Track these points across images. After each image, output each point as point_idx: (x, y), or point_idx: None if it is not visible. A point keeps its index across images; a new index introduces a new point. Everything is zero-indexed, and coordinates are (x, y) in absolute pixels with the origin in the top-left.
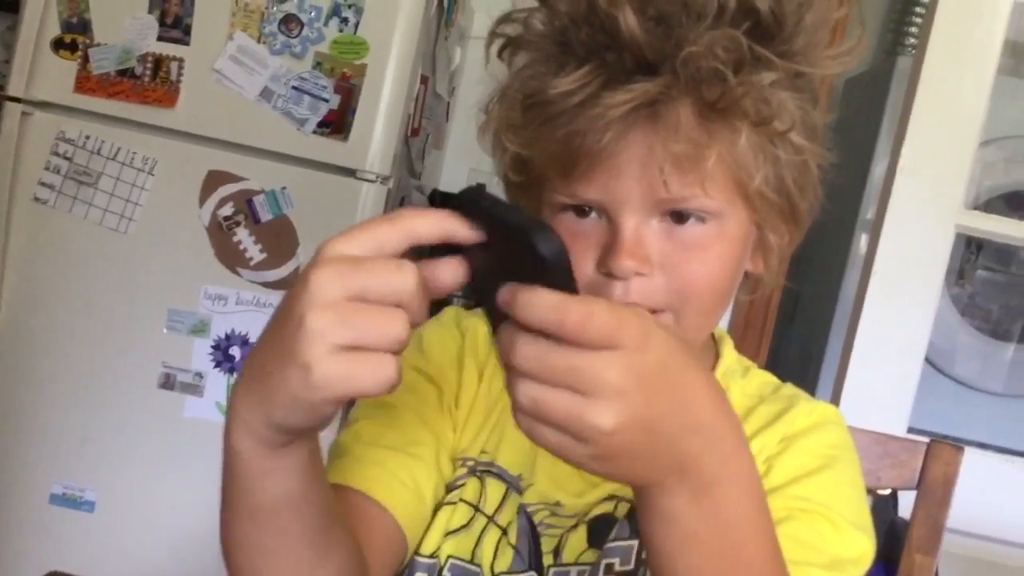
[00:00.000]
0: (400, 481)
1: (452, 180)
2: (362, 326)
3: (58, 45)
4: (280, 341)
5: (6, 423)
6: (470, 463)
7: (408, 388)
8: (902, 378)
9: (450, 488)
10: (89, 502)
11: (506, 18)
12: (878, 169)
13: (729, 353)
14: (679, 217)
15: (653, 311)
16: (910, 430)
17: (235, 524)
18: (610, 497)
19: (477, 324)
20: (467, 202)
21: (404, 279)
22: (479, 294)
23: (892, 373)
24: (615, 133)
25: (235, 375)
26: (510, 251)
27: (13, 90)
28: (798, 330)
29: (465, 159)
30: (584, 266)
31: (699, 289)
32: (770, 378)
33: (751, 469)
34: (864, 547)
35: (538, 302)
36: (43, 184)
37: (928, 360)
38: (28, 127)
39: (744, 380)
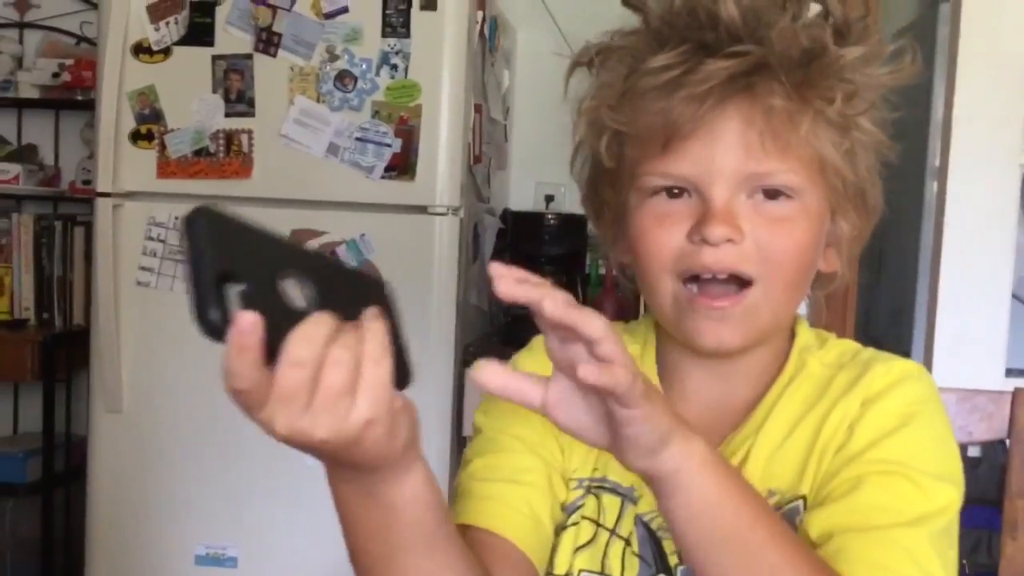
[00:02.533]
0: (516, 510)
1: (521, 198)
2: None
3: (136, 136)
4: None
5: (146, 494)
6: (585, 483)
7: (513, 420)
8: (992, 322)
9: (571, 510)
10: (232, 558)
11: (586, 46)
12: (937, 115)
13: (804, 331)
14: (767, 194)
15: (744, 281)
16: (1009, 372)
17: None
18: None
19: None
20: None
21: None
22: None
23: (981, 318)
24: (713, 101)
25: None
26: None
27: (101, 186)
28: (886, 287)
29: (530, 174)
30: (675, 236)
31: (785, 260)
32: (850, 345)
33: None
34: (948, 496)
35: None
36: (143, 268)
37: (1017, 298)
38: (120, 218)
39: (822, 351)
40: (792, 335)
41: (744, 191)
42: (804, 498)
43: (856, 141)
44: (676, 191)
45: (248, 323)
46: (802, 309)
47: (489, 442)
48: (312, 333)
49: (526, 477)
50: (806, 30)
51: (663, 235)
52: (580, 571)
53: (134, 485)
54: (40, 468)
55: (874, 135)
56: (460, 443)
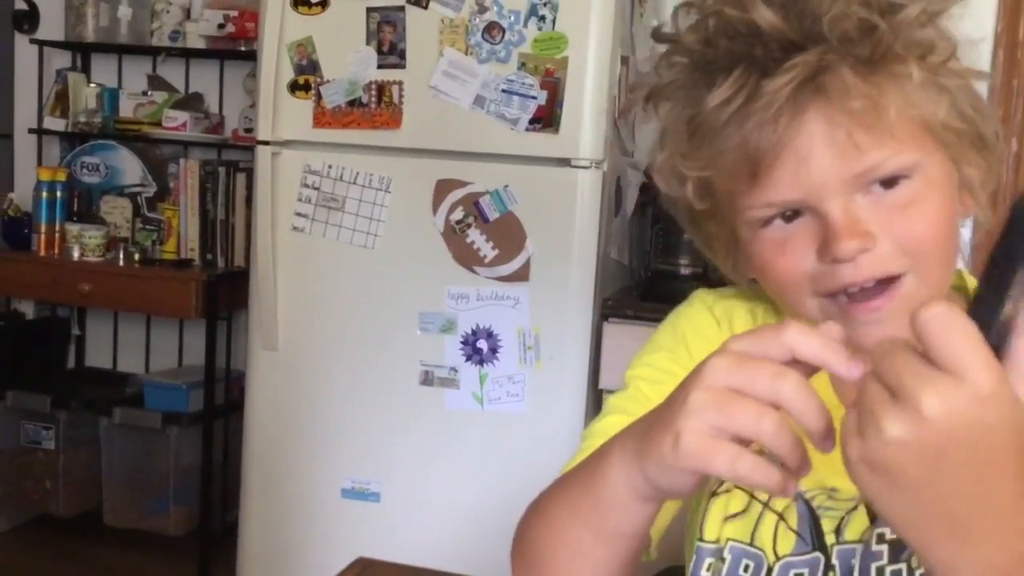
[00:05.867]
0: None
1: None
2: (731, 415)
3: (294, 87)
4: (668, 409)
5: (298, 428)
6: None
7: (664, 387)
8: None
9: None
10: (375, 493)
11: (636, 83)
12: None
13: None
14: (884, 184)
15: (891, 278)
16: None
17: (571, 526)
18: None
19: (731, 309)
20: None
21: (777, 385)
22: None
23: None
24: (788, 117)
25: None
26: None
27: (262, 134)
28: None
29: None
30: (804, 262)
31: (928, 243)
32: None
33: None
34: None
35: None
36: (298, 214)
37: None
38: (279, 165)
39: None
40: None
41: (858, 191)
42: None
43: (951, 88)
44: (790, 214)
45: None
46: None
47: (632, 400)
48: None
49: None
50: (855, 3)
51: (790, 263)
52: (728, 540)
53: (288, 419)
54: (202, 400)
55: (967, 72)
56: (596, 396)
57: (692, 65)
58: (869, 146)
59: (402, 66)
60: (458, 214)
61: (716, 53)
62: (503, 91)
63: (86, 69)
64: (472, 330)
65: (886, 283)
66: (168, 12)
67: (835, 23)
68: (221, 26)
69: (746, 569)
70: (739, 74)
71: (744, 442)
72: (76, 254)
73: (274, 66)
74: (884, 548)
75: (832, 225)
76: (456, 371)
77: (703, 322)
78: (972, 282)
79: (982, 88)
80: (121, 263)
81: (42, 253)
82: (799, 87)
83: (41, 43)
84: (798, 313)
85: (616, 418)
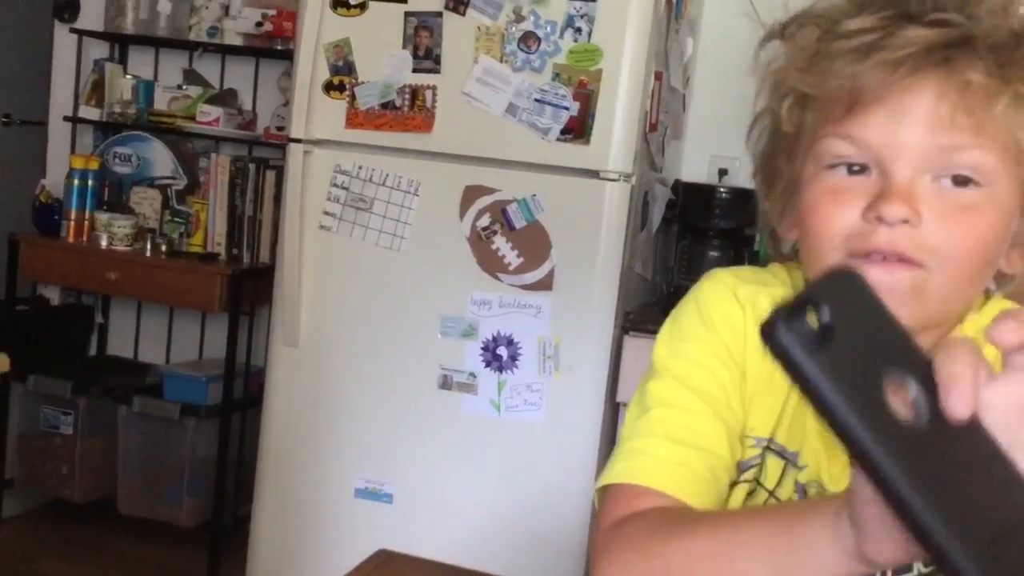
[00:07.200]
0: (700, 478)
1: (693, 169)
2: None
3: (328, 87)
4: None
5: (315, 426)
6: (763, 442)
7: (698, 369)
8: None
9: (745, 467)
10: (388, 494)
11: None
12: None
13: (979, 314)
14: (955, 181)
15: (912, 264)
16: None
17: (736, 563)
18: None
19: (755, 296)
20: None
21: None
22: None
23: None
24: (908, 69)
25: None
26: None
27: (294, 132)
28: None
29: (705, 146)
30: (849, 214)
31: (963, 253)
32: (1007, 304)
33: None
34: None
35: None
36: (326, 213)
37: None
38: (309, 164)
39: (979, 314)
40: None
41: (929, 172)
42: None
43: None
44: (856, 168)
45: None
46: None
47: (670, 389)
48: None
49: (710, 444)
50: (1017, 15)
51: (836, 210)
52: None
53: (305, 415)
54: (220, 393)
55: None
56: (613, 408)
57: (849, 2)
58: (963, 129)
59: (437, 71)
60: (485, 220)
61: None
62: (536, 100)
63: (123, 60)
64: (493, 336)
65: (905, 265)
66: (207, 8)
67: (991, 17)
68: (259, 24)
69: None
70: (887, 13)
71: None
72: (104, 242)
73: (310, 65)
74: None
75: (891, 185)
76: (475, 376)
77: (729, 309)
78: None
79: None
80: (148, 253)
81: (71, 240)
82: (930, 49)
83: (80, 33)
84: (817, 270)
85: (660, 412)
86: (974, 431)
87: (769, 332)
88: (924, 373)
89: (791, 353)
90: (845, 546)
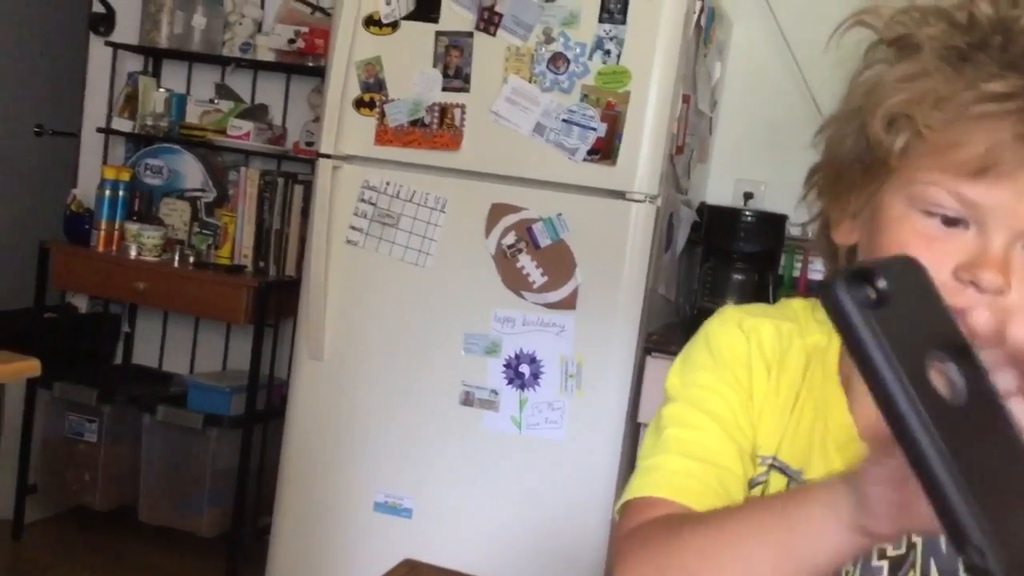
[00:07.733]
0: (714, 491)
1: (719, 192)
2: None
3: (359, 104)
4: None
5: (337, 439)
6: (768, 460)
7: (708, 393)
8: None
9: (753, 484)
10: (407, 509)
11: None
12: None
13: None
14: None
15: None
16: None
17: (741, 547)
18: None
19: (759, 326)
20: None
21: None
22: None
23: None
24: None
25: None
26: None
27: (324, 147)
28: None
29: (730, 170)
30: (942, 268)
31: None
32: None
33: None
34: None
35: None
36: (353, 228)
37: None
38: (338, 179)
39: None
40: None
41: (1021, 240)
42: None
43: None
44: (953, 217)
45: None
46: None
47: (683, 412)
48: None
49: (721, 460)
50: None
51: (928, 261)
52: None
53: (327, 428)
54: (243, 404)
55: None
56: (634, 428)
57: (953, 29)
58: None
59: (466, 90)
60: (510, 238)
61: (987, 49)
62: (563, 121)
63: (157, 74)
64: (515, 354)
65: None
66: (241, 24)
67: None
68: (291, 41)
69: None
70: (1019, 80)
71: None
72: (133, 252)
73: (342, 82)
74: (884, 565)
75: (990, 251)
76: (497, 394)
77: (734, 338)
78: None
79: None
80: (176, 264)
81: (100, 249)
82: None
83: (115, 46)
84: None
85: (674, 431)
86: (1006, 425)
87: (828, 287)
88: (968, 362)
89: (845, 307)
90: (845, 521)
